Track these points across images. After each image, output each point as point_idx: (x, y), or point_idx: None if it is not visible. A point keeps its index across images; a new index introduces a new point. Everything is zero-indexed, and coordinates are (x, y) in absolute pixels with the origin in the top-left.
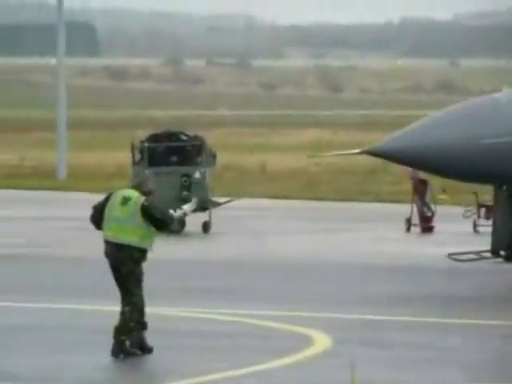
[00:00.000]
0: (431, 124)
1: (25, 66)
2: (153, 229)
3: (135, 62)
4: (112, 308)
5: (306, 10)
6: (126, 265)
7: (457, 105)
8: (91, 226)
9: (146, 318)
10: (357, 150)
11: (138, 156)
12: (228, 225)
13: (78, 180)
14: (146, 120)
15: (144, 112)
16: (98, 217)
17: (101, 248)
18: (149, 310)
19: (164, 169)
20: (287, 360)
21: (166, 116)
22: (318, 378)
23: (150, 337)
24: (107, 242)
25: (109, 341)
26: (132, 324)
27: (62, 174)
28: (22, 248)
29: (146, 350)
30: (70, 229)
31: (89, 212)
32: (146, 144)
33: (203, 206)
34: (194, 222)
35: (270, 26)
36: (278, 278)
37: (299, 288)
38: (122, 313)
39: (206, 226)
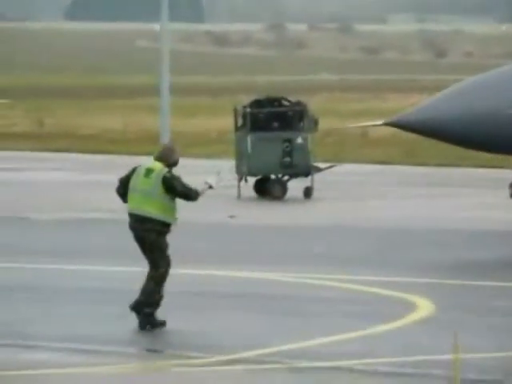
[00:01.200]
0: (454, 95)
1: (129, 31)
2: (174, 202)
3: (238, 27)
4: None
5: None
6: (149, 237)
7: (480, 75)
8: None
9: (249, 283)
10: (379, 122)
11: (240, 122)
12: (330, 190)
13: (180, 146)
14: (248, 86)
15: (246, 77)
16: (122, 189)
17: (200, 212)
18: (251, 274)
19: (266, 134)
20: (390, 325)
21: (267, 81)
22: (421, 344)
23: (254, 301)
24: (131, 215)
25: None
26: (157, 296)
27: (166, 139)
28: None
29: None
30: None
31: (194, 177)
32: (249, 110)
33: (305, 172)
34: (296, 187)
35: None
36: (378, 243)
37: (400, 253)
38: (146, 286)
39: (307, 192)
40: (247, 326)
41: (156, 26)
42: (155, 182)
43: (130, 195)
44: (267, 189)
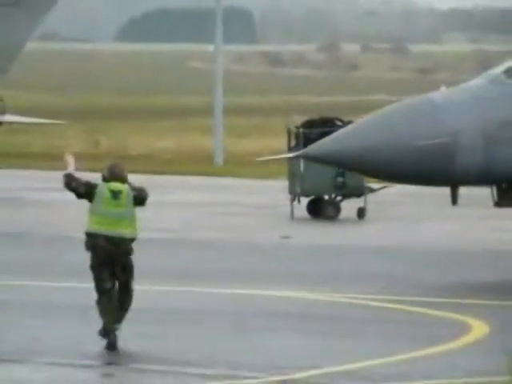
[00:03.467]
0: (365, 126)
1: (182, 52)
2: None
3: (291, 47)
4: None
5: None
6: (123, 258)
7: (393, 105)
8: (249, 211)
9: (295, 303)
10: (291, 154)
11: (293, 142)
12: (383, 211)
13: (234, 166)
14: (300, 106)
15: (299, 98)
16: (84, 190)
17: (253, 232)
18: (301, 295)
19: None
20: (443, 347)
21: (320, 102)
22: (474, 366)
23: (305, 322)
24: (99, 236)
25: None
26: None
27: (219, 159)
28: (177, 233)
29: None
30: (227, 214)
31: (247, 198)
32: (302, 130)
33: (359, 192)
34: (350, 207)
35: (428, 10)
36: (430, 264)
37: (452, 274)
38: (124, 302)
39: (361, 212)
40: (299, 347)
41: (209, 47)
42: (127, 202)
43: (96, 217)
44: (320, 209)
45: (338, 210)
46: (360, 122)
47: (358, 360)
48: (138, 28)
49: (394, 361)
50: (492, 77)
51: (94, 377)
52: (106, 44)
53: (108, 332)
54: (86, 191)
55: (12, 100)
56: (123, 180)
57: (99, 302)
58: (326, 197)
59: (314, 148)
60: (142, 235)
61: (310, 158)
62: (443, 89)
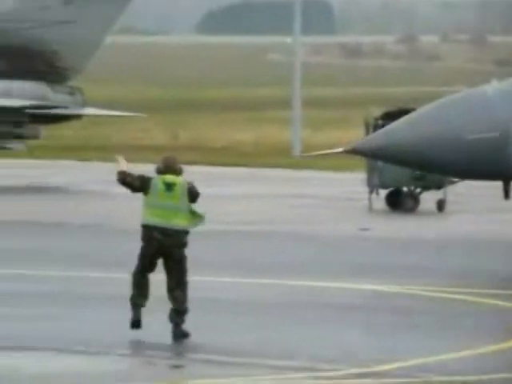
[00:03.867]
0: (416, 120)
1: (261, 44)
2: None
3: (370, 38)
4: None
5: None
6: (177, 250)
7: (443, 99)
8: (327, 203)
9: (378, 296)
10: (340, 149)
11: (371, 133)
12: (463, 203)
13: (312, 158)
14: (379, 97)
15: (377, 89)
16: (140, 184)
17: (331, 225)
18: (379, 287)
19: None
20: None
21: (399, 93)
22: None
23: (384, 315)
24: (154, 227)
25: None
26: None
27: (297, 151)
28: (255, 225)
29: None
30: (305, 206)
31: (325, 190)
32: (380, 121)
33: (438, 184)
34: (430, 199)
35: (506, 1)
36: (509, 257)
37: None
38: (179, 295)
39: (440, 205)
40: (376, 339)
41: (288, 39)
42: (181, 194)
43: (151, 210)
44: (399, 201)
45: (417, 202)
46: (410, 116)
47: (433, 353)
48: (217, 20)
49: (475, 354)
50: None
51: (166, 369)
52: (185, 37)
53: (134, 306)
54: (140, 185)
55: (91, 93)
56: (177, 172)
57: (135, 275)
58: (405, 189)
59: (363, 142)
60: (221, 227)
61: (359, 153)
62: (495, 82)
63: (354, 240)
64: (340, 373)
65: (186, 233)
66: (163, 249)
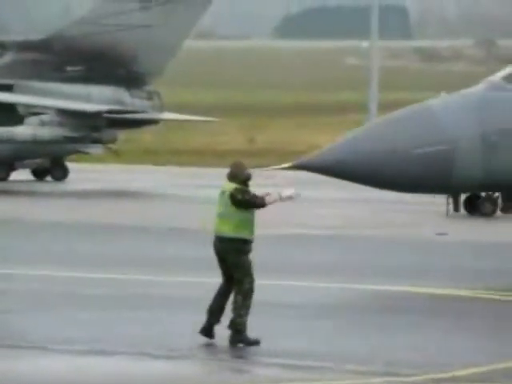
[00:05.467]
0: (363, 136)
1: (338, 48)
2: (250, 217)
3: (447, 43)
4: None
5: None
6: (229, 257)
7: (391, 114)
8: (405, 208)
9: (451, 300)
10: (288, 164)
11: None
12: None
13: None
14: None
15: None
16: None
17: (409, 228)
18: (453, 292)
19: None
20: None
21: None
22: None
23: (454, 319)
24: (215, 237)
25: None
26: (244, 312)
27: None
28: (335, 229)
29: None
30: (383, 211)
31: (402, 194)
32: None
33: None
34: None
35: None
36: None
37: None
38: (236, 301)
39: None
40: (452, 344)
41: (365, 43)
42: (226, 201)
43: (215, 218)
44: (477, 206)
45: (495, 206)
46: (357, 132)
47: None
48: (294, 25)
49: None
50: (492, 83)
51: (240, 373)
52: (263, 41)
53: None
54: None
55: (169, 98)
56: (235, 179)
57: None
58: (483, 193)
59: (310, 159)
60: (300, 231)
61: (306, 169)
62: (443, 95)
63: (431, 244)
64: (419, 378)
65: (231, 240)
66: (220, 255)
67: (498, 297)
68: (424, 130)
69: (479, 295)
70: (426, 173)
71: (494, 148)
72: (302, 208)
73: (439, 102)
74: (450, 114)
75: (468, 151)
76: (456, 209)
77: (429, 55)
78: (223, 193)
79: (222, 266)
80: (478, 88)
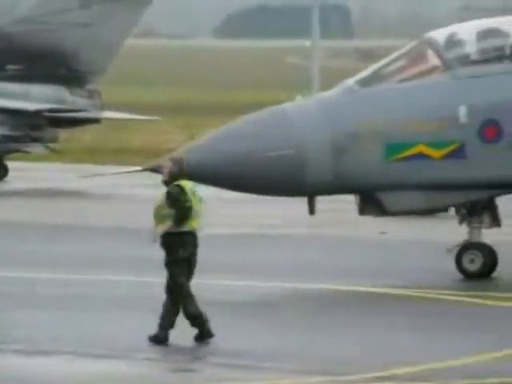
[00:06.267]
0: (217, 139)
1: (279, 48)
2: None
3: (388, 42)
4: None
5: None
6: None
7: (246, 116)
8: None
9: (393, 299)
10: (139, 168)
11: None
12: None
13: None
14: None
15: None
16: None
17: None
18: (395, 291)
19: None
20: None
21: None
22: None
23: (403, 318)
24: (193, 234)
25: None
26: None
27: None
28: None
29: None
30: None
31: None
32: None
33: None
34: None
35: None
36: None
37: None
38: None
39: None
40: (395, 343)
41: (307, 43)
42: (200, 198)
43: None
44: None
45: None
46: (211, 135)
47: (456, 356)
48: (235, 24)
49: (497, 357)
50: (345, 86)
51: (179, 373)
52: (203, 40)
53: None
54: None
55: (110, 97)
56: (183, 176)
57: None
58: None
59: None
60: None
61: (158, 172)
62: (298, 98)
63: (375, 244)
64: (357, 376)
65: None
66: (195, 251)
67: (435, 296)
68: (277, 133)
69: (414, 294)
70: (281, 176)
71: (344, 151)
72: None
73: (293, 105)
74: (302, 118)
75: (318, 154)
76: (311, 211)
77: (367, 54)
78: (195, 192)
79: (190, 264)
80: (332, 92)
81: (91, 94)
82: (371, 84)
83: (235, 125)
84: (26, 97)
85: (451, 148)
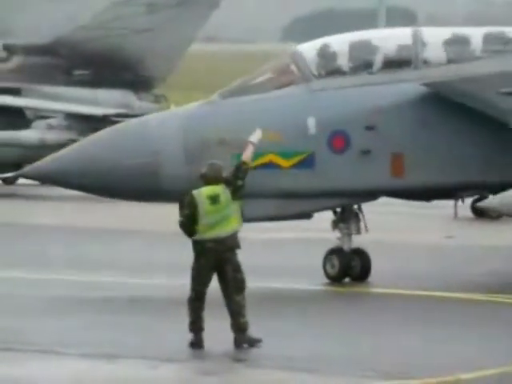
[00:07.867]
0: (84, 147)
1: None
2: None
3: None
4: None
5: None
6: (232, 256)
7: (115, 126)
8: (412, 211)
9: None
10: (13, 173)
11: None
12: None
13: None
14: None
15: None
16: (190, 226)
17: (417, 233)
18: (458, 295)
19: None
20: None
21: None
22: None
23: (464, 324)
24: (209, 241)
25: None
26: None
27: None
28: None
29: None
30: (391, 214)
31: None
32: None
33: None
34: None
35: None
36: None
37: None
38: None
39: None
40: (461, 347)
41: None
42: (227, 202)
43: (206, 224)
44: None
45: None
46: (80, 143)
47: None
48: (303, 28)
49: None
50: (209, 99)
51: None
52: (271, 44)
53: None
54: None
55: (175, 101)
56: (212, 182)
57: None
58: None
59: (33, 167)
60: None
61: (30, 178)
62: (172, 107)
63: (439, 248)
64: (423, 381)
65: (236, 233)
66: (219, 258)
67: (499, 299)
68: (137, 143)
69: (479, 298)
70: (140, 183)
71: (195, 161)
72: None
73: (156, 115)
74: (159, 128)
75: (172, 163)
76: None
77: None
78: (215, 198)
79: (212, 270)
80: (195, 103)
81: (157, 99)
82: (232, 96)
83: (103, 134)
84: (93, 102)
85: (300, 158)
